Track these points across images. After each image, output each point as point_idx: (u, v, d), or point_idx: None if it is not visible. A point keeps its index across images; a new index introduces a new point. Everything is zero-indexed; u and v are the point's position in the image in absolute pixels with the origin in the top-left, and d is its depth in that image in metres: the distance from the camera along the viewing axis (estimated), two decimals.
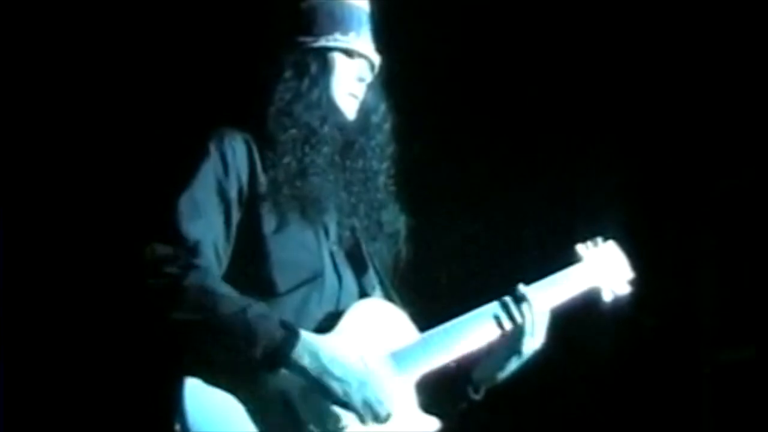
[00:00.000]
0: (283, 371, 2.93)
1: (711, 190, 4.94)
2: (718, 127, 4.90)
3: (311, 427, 2.96)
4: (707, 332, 4.97)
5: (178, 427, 2.88)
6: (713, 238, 4.97)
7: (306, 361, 2.93)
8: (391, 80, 3.35)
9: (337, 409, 2.97)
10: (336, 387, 2.94)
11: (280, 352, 2.92)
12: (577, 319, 3.38)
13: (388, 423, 3.00)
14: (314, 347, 2.95)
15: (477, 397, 3.33)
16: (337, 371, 2.95)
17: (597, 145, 4.91)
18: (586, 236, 3.49)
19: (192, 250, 3.00)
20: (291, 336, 2.93)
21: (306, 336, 2.97)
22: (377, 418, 2.98)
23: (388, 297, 3.28)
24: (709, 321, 4.97)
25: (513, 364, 3.28)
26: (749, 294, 4.88)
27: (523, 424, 4.76)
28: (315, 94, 3.21)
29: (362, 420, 2.97)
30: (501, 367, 3.28)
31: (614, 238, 3.52)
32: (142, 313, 2.99)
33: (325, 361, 2.94)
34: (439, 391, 3.23)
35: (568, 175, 4.85)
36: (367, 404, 2.96)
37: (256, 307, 2.96)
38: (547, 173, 4.86)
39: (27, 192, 4.30)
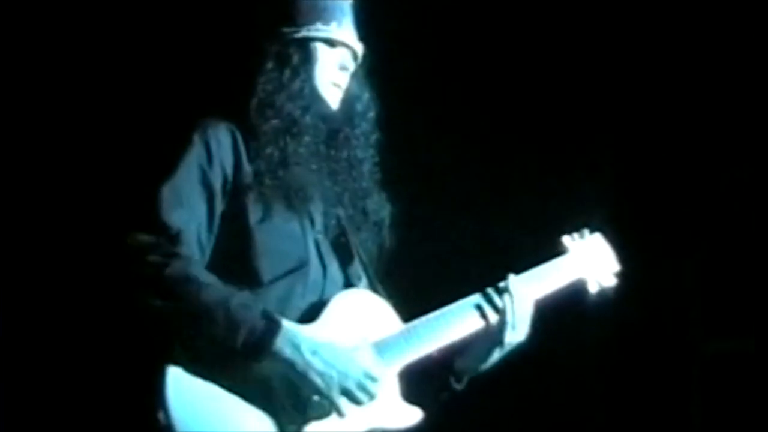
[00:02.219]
0: (265, 361, 3.02)
1: (699, 183, 5.06)
2: (704, 121, 5.00)
3: (293, 415, 3.05)
4: (695, 323, 5.07)
5: (161, 415, 2.97)
6: (699, 229, 5.08)
7: (287, 352, 3.02)
8: (376, 69, 3.44)
9: (316, 399, 3.06)
10: (317, 380, 3.04)
11: (261, 343, 3.01)
12: (563, 310, 3.48)
13: (372, 411, 3.12)
14: (296, 339, 3.04)
15: (459, 387, 3.43)
16: (318, 365, 3.04)
17: (583, 137, 5.04)
18: (573, 227, 3.59)
19: (174, 238, 3.09)
20: (272, 326, 3.02)
21: (288, 327, 3.05)
22: (359, 405, 3.08)
23: (372, 287, 3.37)
24: (696, 312, 5.07)
25: (495, 355, 3.38)
26: (737, 285, 4.97)
27: (508, 415, 4.84)
28: (297, 84, 3.30)
29: (341, 413, 3.06)
30: (483, 358, 3.39)
31: (600, 229, 3.62)
32: (124, 301, 3.08)
33: (307, 353, 3.03)
34: (421, 381, 3.31)
35: (555, 166, 4.94)
36: (348, 395, 3.06)
37: (239, 297, 3.05)
38: (534, 163, 4.96)
39: (8, 181, 4.38)
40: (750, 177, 4.96)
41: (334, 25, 3.36)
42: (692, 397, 5.05)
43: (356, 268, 3.40)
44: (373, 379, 3.11)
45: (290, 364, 3.03)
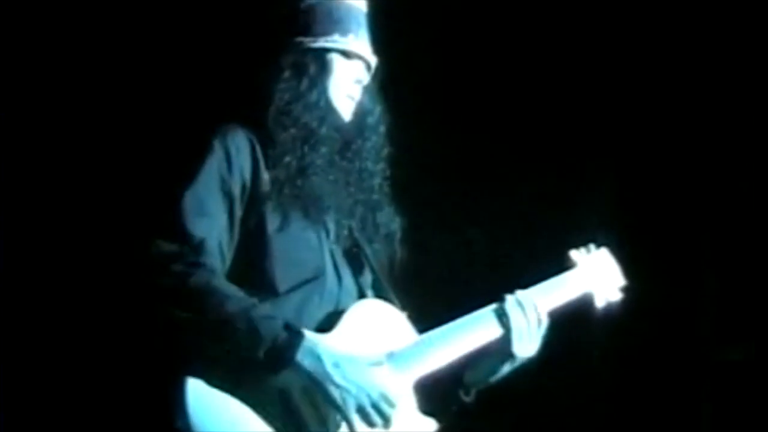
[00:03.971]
0: (285, 371, 3.07)
1: (709, 192, 5.19)
2: (712, 131, 5.14)
3: (311, 426, 3.11)
4: (707, 332, 5.19)
5: (180, 425, 3.02)
6: (711, 238, 5.21)
7: (308, 363, 3.07)
8: (388, 82, 3.53)
9: (334, 411, 3.11)
10: (334, 393, 3.08)
11: (284, 354, 3.05)
12: (572, 321, 3.56)
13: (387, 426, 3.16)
14: (317, 350, 3.09)
15: (468, 399, 3.48)
16: (338, 377, 3.09)
17: (590, 150, 5.17)
18: (582, 241, 3.67)
19: (197, 247, 3.13)
20: (295, 338, 3.07)
21: (309, 337, 3.10)
22: (372, 426, 3.12)
23: (384, 298, 3.42)
24: (708, 321, 5.18)
25: (506, 368, 3.44)
26: (749, 293, 5.10)
27: (519, 427, 4.97)
28: (314, 94, 3.37)
29: (352, 430, 3.10)
30: (494, 371, 3.44)
31: (610, 240, 3.70)
32: (145, 311, 3.11)
33: (327, 365, 3.08)
34: (431, 394, 3.36)
35: (562, 180, 5.08)
36: (363, 412, 3.11)
37: (261, 308, 3.09)
38: (542, 177, 5.09)
39: (31, 187, 4.43)
40: (760, 185, 5.09)
41: (351, 36, 3.43)
42: (704, 406, 5.16)
43: (367, 278, 3.47)
44: (389, 402, 3.15)
45: (310, 375, 3.08)
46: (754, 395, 5.06)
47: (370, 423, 3.13)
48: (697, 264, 5.22)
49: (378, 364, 3.21)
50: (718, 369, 5.17)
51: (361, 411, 3.12)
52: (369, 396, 3.12)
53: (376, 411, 3.13)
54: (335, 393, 3.10)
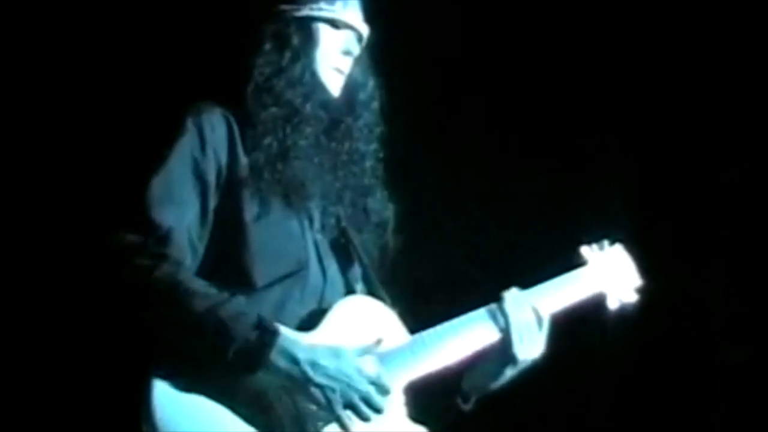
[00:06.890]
0: (260, 373, 2.96)
1: (721, 190, 5.14)
2: (723, 124, 5.10)
3: (288, 426, 3.00)
4: (719, 332, 5.15)
5: (145, 429, 2.93)
6: (722, 237, 5.16)
7: (283, 364, 2.96)
8: (382, 54, 3.41)
9: (315, 411, 3.02)
10: (317, 393, 2.99)
11: (256, 356, 2.95)
12: (580, 322, 3.45)
13: (376, 429, 3.05)
14: (293, 351, 2.98)
15: (467, 407, 3.38)
16: (318, 377, 2.99)
17: (603, 143, 5.09)
18: (592, 238, 3.57)
19: (163, 238, 3.03)
20: (268, 337, 2.96)
21: (285, 335, 2.99)
22: (365, 420, 3.02)
23: (373, 292, 3.31)
24: (720, 320, 5.15)
25: (508, 373, 3.32)
26: (761, 293, 5.06)
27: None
28: (297, 68, 3.24)
29: (346, 429, 3.01)
30: (495, 376, 3.33)
31: (621, 240, 3.59)
32: (110, 307, 3.04)
33: (305, 365, 2.98)
34: (425, 400, 3.25)
35: (574, 171, 5.00)
36: (352, 407, 3.01)
37: (231, 304, 2.98)
38: (551, 169, 5.00)
39: None
40: None
41: (339, 4, 3.30)
42: (715, 406, 5.12)
43: (356, 271, 3.35)
44: (380, 388, 3.05)
45: (287, 377, 2.98)
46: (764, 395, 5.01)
47: (363, 417, 3.04)
48: (710, 263, 5.15)
49: (365, 353, 3.10)
50: (731, 369, 5.12)
51: (351, 407, 3.02)
52: (357, 390, 3.03)
53: (366, 403, 3.03)
54: (317, 393, 3.01)
